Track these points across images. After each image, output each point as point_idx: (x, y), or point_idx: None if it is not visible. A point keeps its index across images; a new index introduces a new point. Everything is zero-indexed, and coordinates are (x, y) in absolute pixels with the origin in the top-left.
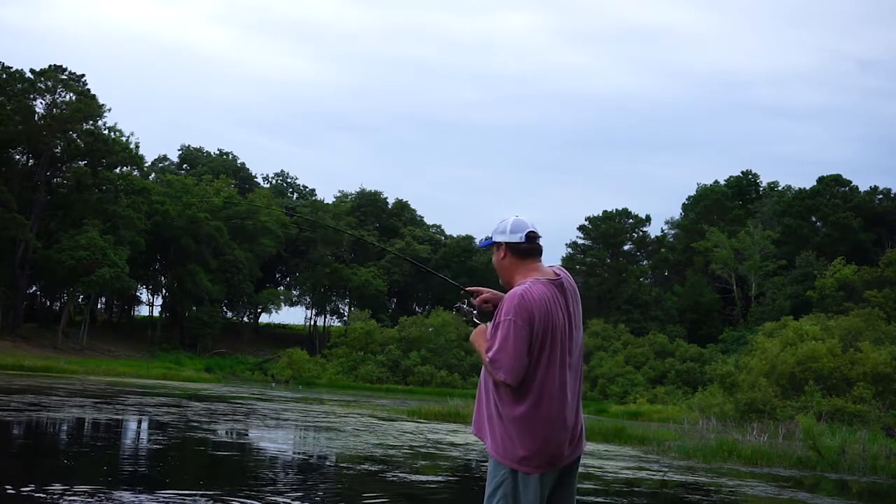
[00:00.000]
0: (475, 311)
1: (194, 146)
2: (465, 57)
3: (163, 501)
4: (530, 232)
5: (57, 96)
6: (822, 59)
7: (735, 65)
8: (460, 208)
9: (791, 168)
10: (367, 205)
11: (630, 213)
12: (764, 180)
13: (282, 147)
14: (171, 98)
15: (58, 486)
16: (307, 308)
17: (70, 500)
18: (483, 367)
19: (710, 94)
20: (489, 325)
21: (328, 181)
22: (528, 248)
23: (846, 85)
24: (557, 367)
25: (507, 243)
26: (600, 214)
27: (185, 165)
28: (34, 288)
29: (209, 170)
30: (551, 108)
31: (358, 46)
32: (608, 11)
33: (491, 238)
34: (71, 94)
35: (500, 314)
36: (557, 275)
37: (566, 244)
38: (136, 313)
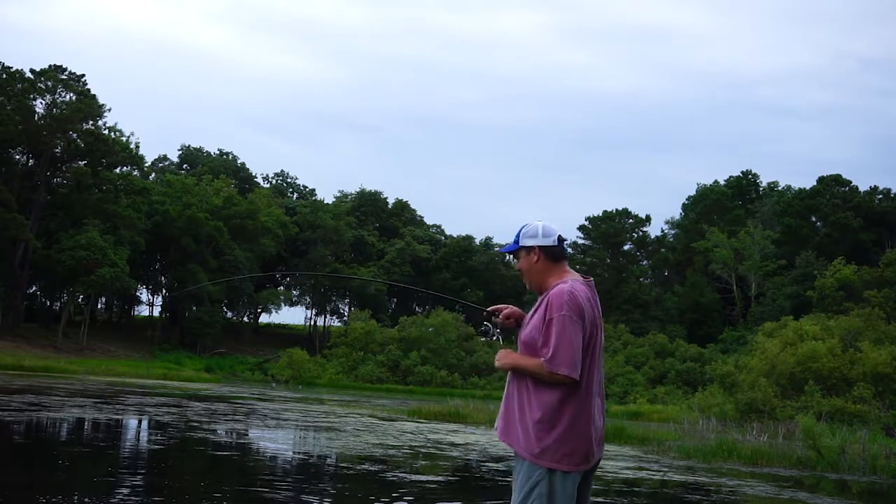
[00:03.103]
0: (499, 330)
1: (194, 146)
2: (465, 56)
3: (163, 502)
4: (561, 236)
5: (57, 96)
6: (823, 58)
7: (735, 64)
8: (460, 208)
9: (791, 168)
10: (367, 205)
11: (630, 213)
12: (764, 180)
13: (282, 146)
14: (171, 98)
15: (57, 487)
16: (307, 308)
17: (70, 501)
18: (510, 372)
19: (710, 93)
20: (504, 349)
21: (328, 181)
22: (560, 251)
23: (846, 84)
24: (597, 365)
25: (540, 247)
26: (600, 214)
27: (185, 165)
28: (34, 288)
29: (209, 170)
30: (552, 107)
31: (358, 45)
32: (609, 11)
33: (517, 242)
34: (71, 94)
35: (551, 311)
36: (587, 277)
37: (566, 244)
38: (136, 313)
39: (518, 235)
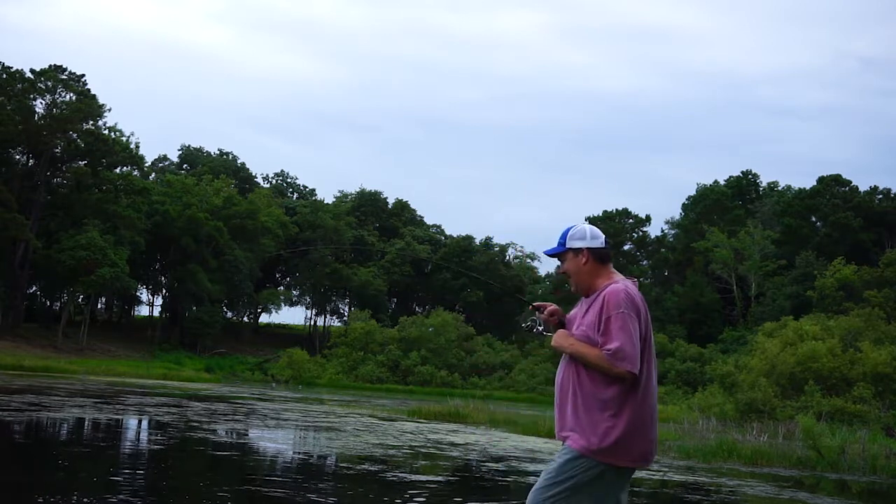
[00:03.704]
0: (542, 326)
1: (194, 146)
2: (465, 56)
3: (163, 502)
4: (607, 238)
5: (57, 96)
6: (824, 58)
7: (735, 64)
8: (460, 208)
9: (791, 168)
10: (367, 205)
11: (630, 213)
12: (764, 180)
13: (282, 146)
14: (172, 97)
15: (57, 487)
16: (307, 308)
17: (70, 501)
18: (567, 366)
19: (710, 93)
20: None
21: (329, 180)
22: (608, 252)
23: (846, 84)
24: (653, 364)
25: (589, 248)
26: (600, 214)
27: (185, 165)
28: (34, 288)
29: (209, 170)
30: (552, 107)
31: (358, 45)
32: (609, 11)
33: (563, 245)
34: (71, 94)
35: (608, 309)
36: (633, 277)
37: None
38: (136, 313)
39: (564, 237)
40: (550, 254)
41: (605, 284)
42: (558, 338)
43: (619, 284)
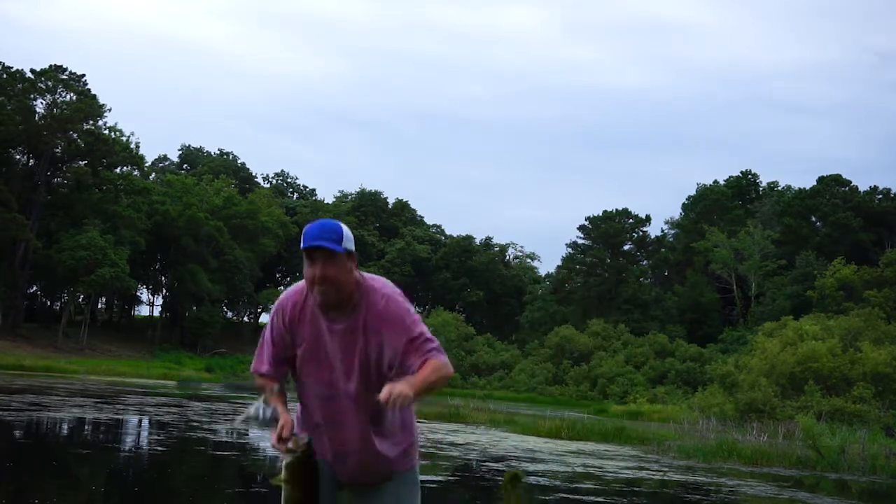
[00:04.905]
0: (263, 414)
1: (194, 146)
2: (466, 51)
3: (163, 501)
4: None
5: (57, 96)
6: (824, 56)
7: (736, 62)
8: (460, 208)
9: (791, 167)
10: (367, 205)
11: (630, 213)
12: (764, 180)
13: (282, 143)
14: (171, 92)
15: (57, 487)
16: None
17: (70, 501)
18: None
19: (714, 89)
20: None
21: (328, 178)
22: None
23: (852, 81)
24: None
25: (353, 252)
26: (600, 214)
27: (185, 165)
28: (34, 288)
29: (209, 170)
30: (553, 105)
31: (359, 40)
32: (610, 4)
33: (339, 243)
34: (71, 94)
35: (404, 308)
36: None
37: (566, 244)
38: (136, 313)
39: (339, 235)
40: (334, 248)
41: (365, 286)
42: (407, 388)
43: (390, 285)
